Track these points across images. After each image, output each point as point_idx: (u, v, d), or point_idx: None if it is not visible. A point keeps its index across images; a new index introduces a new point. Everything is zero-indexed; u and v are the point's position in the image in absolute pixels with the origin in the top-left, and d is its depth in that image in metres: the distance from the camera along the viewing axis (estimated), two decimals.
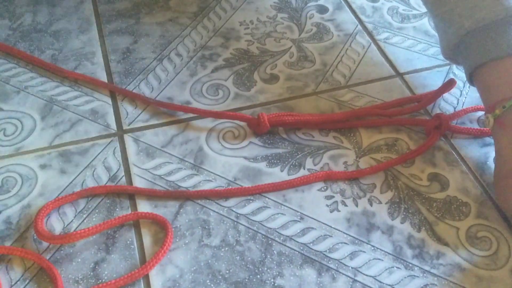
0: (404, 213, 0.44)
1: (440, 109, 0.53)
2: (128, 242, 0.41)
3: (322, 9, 0.66)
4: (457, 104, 0.54)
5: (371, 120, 0.51)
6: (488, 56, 0.43)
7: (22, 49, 0.58)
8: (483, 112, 0.53)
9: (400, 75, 0.57)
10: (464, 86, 0.56)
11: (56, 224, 0.42)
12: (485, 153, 0.49)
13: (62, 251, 0.41)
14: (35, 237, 0.41)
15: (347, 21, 0.64)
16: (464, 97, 0.55)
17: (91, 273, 0.39)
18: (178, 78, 0.56)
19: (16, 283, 0.39)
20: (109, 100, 0.53)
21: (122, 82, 0.55)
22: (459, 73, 0.57)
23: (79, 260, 0.40)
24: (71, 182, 0.45)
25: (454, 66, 0.58)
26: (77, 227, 0.42)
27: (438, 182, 0.47)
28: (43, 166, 0.47)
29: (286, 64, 0.58)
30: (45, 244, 0.41)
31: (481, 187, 0.46)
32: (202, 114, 0.51)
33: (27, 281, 0.39)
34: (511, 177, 0.41)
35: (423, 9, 0.66)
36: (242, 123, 0.51)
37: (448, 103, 0.54)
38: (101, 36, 0.61)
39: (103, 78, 0.56)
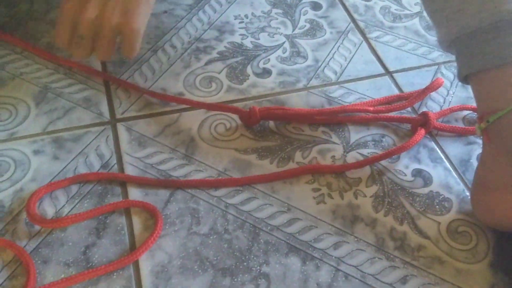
0: (388, 206, 0.46)
1: (427, 108, 0.55)
2: (119, 228, 0.42)
3: (316, 6, 0.67)
4: (444, 102, 0.55)
5: (359, 117, 0.52)
6: (475, 66, 0.41)
7: (18, 37, 0.58)
8: (468, 112, 0.54)
9: (389, 73, 0.58)
10: (451, 86, 0.57)
11: (48, 209, 0.43)
12: (468, 151, 0.51)
13: (53, 235, 0.42)
14: (27, 221, 0.42)
15: (340, 18, 0.66)
16: (451, 96, 0.56)
17: (82, 257, 0.40)
18: (172, 70, 0.57)
19: None
20: (103, 89, 0.54)
21: (116, 72, 0.56)
22: (446, 73, 0.59)
23: (70, 244, 0.41)
24: (63, 168, 0.46)
25: (442, 66, 0.60)
26: (68, 212, 0.43)
27: (421, 178, 0.48)
28: (36, 152, 0.47)
29: (279, 59, 0.59)
30: (36, 227, 0.42)
31: (463, 184, 0.48)
32: (195, 105, 0.52)
33: (6, 272, 0.40)
34: (490, 189, 0.41)
35: (415, 9, 0.68)
36: (234, 116, 0.52)
37: (435, 102, 0.55)
38: None
39: (98, 66, 0.56)
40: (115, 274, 0.39)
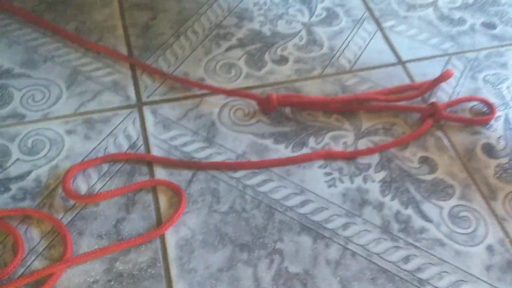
0: (394, 191, 0.49)
1: (437, 97, 0.57)
2: (146, 204, 0.46)
3: None
4: (453, 93, 0.58)
5: (371, 105, 0.55)
6: None
7: (48, 20, 0.61)
8: (476, 102, 0.57)
9: (402, 63, 0.61)
10: (461, 76, 0.59)
11: (81, 185, 0.47)
12: (473, 140, 0.53)
13: (87, 209, 0.45)
14: (62, 195, 0.46)
15: (356, 7, 0.67)
16: (460, 87, 0.58)
17: (113, 230, 0.44)
18: (193, 55, 0.60)
19: (37, 244, 0.44)
20: (129, 73, 0.57)
21: (141, 56, 0.59)
22: (457, 64, 0.61)
23: (103, 217, 0.45)
24: (94, 148, 0.50)
25: (453, 57, 0.62)
26: (100, 189, 0.47)
27: (427, 165, 0.51)
28: (69, 132, 0.51)
29: (296, 47, 0.62)
30: (71, 202, 0.46)
31: (467, 172, 0.50)
32: (216, 91, 0.55)
33: (45, 242, 0.44)
34: None
35: None
36: (252, 102, 0.55)
37: (444, 92, 0.58)
38: (122, 10, 0.64)
39: (124, 51, 0.59)
40: (143, 246, 0.43)
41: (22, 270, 0.42)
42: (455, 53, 0.62)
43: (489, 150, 0.52)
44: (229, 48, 0.61)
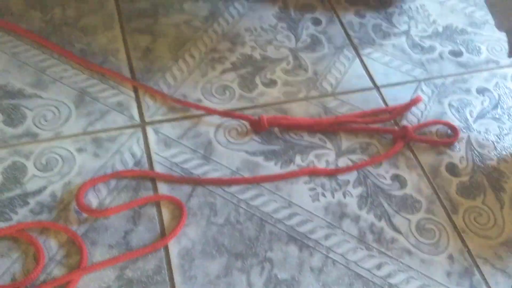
0: (370, 205, 0.54)
1: (407, 120, 0.63)
2: (151, 217, 0.51)
3: (316, 22, 0.74)
4: (421, 116, 0.63)
5: (350, 127, 0.60)
6: None
7: (54, 42, 0.65)
8: (441, 125, 0.63)
9: (377, 87, 0.66)
10: (428, 101, 0.65)
11: (92, 199, 0.51)
12: (439, 160, 0.59)
13: (99, 222, 0.50)
14: (75, 209, 0.50)
15: (337, 34, 0.73)
16: (428, 111, 0.64)
17: (123, 241, 0.49)
18: (191, 78, 0.64)
19: (56, 254, 0.48)
20: (133, 94, 0.61)
21: (143, 78, 0.63)
22: (426, 89, 0.67)
23: (113, 229, 0.49)
24: (103, 165, 0.54)
25: (422, 83, 0.68)
26: (109, 203, 0.51)
27: (398, 182, 0.57)
28: (79, 150, 0.55)
29: (283, 71, 0.67)
30: (84, 215, 0.50)
31: (432, 188, 0.56)
32: (212, 112, 0.60)
33: (63, 252, 0.48)
34: None
35: (402, 28, 0.75)
36: (245, 122, 0.60)
37: (414, 115, 0.63)
38: (124, 34, 0.68)
39: (127, 73, 0.63)
40: (149, 255, 0.48)
41: (43, 277, 0.46)
42: (424, 79, 0.68)
43: (452, 168, 0.58)
44: (223, 71, 0.65)
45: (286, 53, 0.69)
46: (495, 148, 0.61)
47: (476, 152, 0.60)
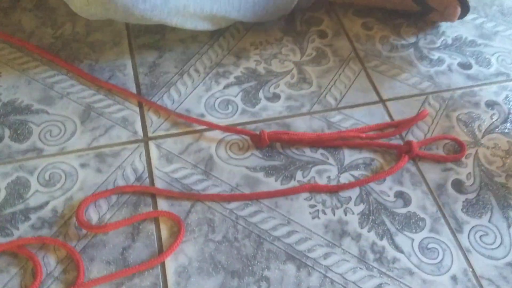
0: (371, 223, 0.52)
1: (413, 135, 0.61)
2: (149, 233, 0.50)
3: (322, 34, 0.73)
4: (428, 131, 0.61)
5: (353, 142, 0.59)
6: None
7: (63, 58, 0.65)
8: (448, 140, 0.60)
9: (383, 101, 0.64)
10: (436, 115, 0.63)
11: (93, 215, 0.51)
12: (444, 176, 0.57)
13: (97, 237, 0.49)
14: (76, 225, 0.50)
15: (343, 47, 0.71)
16: (434, 125, 0.62)
17: (120, 257, 0.48)
18: (195, 93, 0.63)
19: (54, 269, 0.47)
20: (137, 110, 0.61)
21: (148, 93, 0.63)
22: (433, 103, 0.64)
23: (111, 245, 0.49)
24: (105, 180, 0.54)
25: (430, 96, 0.65)
26: (109, 219, 0.51)
27: (402, 199, 0.54)
28: (82, 165, 0.55)
29: (287, 85, 0.65)
30: (84, 230, 0.49)
31: (437, 206, 0.54)
32: (214, 127, 0.59)
33: (61, 267, 0.47)
34: None
35: (411, 40, 0.73)
36: (246, 137, 0.59)
37: (420, 130, 0.61)
38: (131, 50, 0.68)
39: (133, 88, 0.63)
40: (146, 272, 0.47)
41: None
42: (432, 92, 0.66)
43: (459, 185, 0.56)
44: (227, 86, 0.64)
45: (290, 66, 0.68)
46: (504, 164, 0.58)
47: (484, 168, 0.58)
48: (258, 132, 0.58)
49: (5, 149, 0.55)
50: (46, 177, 0.53)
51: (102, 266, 0.47)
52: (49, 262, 0.47)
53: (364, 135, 0.59)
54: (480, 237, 0.52)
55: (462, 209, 0.54)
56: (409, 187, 0.55)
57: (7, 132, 0.57)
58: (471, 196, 0.55)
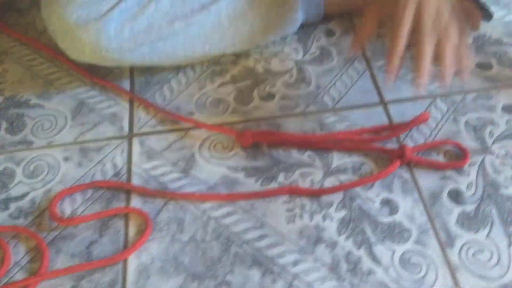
0: (350, 231, 0.48)
1: (412, 139, 0.56)
2: (117, 230, 0.49)
3: (330, 33, 0.69)
4: (430, 135, 0.56)
5: (343, 145, 0.55)
6: None
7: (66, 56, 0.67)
8: (451, 146, 0.54)
9: (384, 103, 0.60)
10: (441, 119, 0.57)
11: (67, 208, 0.51)
12: (441, 185, 0.51)
13: (68, 230, 0.49)
14: (49, 217, 0.50)
15: (349, 46, 0.67)
16: (438, 129, 0.56)
17: (86, 251, 0.48)
18: (188, 90, 0.62)
19: (21, 259, 0.48)
20: (127, 106, 0.61)
21: (141, 90, 0.62)
22: (441, 105, 0.59)
23: (79, 238, 0.49)
24: (84, 174, 0.54)
25: (439, 98, 0.60)
26: (82, 212, 0.51)
27: (389, 207, 0.50)
28: (66, 158, 0.55)
29: (284, 84, 0.63)
30: (56, 223, 0.50)
31: (427, 216, 0.49)
32: (198, 125, 0.57)
33: (28, 257, 0.48)
34: None
35: None
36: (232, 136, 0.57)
37: (421, 134, 0.56)
38: None
39: (127, 85, 0.63)
40: (107, 268, 0.46)
41: (5, 280, 0.46)
42: (441, 94, 0.60)
43: (456, 195, 0.50)
44: (221, 84, 0.63)
45: (290, 65, 0.65)
46: None
47: (489, 178, 0.52)
48: (241, 132, 0.55)
49: None
50: (31, 168, 0.55)
51: (66, 259, 0.47)
52: (19, 251, 0.48)
53: (356, 137, 0.54)
54: (473, 253, 0.46)
55: (456, 222, 0.48)
56: (399, 195, 0.51)
57: (3, 125, 0.59)
58: (469, 207, 0.49)
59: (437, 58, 0.48)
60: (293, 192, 0.51)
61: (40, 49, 0.68)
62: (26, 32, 0.71)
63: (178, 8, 0.57)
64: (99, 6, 0.53)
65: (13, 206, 0.52)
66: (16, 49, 0.69)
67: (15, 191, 0.53)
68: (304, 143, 0.55)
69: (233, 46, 0.62)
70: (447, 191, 0.51)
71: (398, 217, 0.49)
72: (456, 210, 0.49)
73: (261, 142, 0.56)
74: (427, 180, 0.52)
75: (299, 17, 0.65)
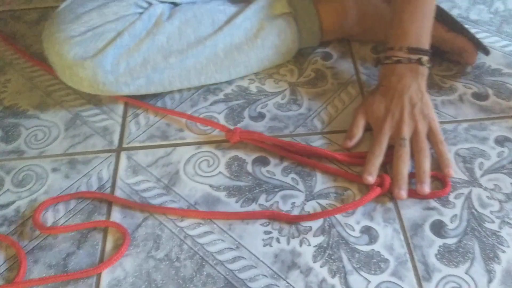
0: (327, 258, 0.47)
1: None
2: (95, 243, 0.50)
3: (327, 56, 0.69)
4: None
5: (323, 165, 0.54)
6: None
7: None
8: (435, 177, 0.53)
9: (371, 129, 0.59)
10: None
11: (49, 217, 0.52)
12: (424, 216, 0.50)
13: (47, 240, 0.50)
14: (31, 226, 0.51)
15: (345, 70, 0.67)
16: None
17: (62, 262, 0.48)
18: (180, 107, 0.63)
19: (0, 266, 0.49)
20: (120, 120, 0.62)
21: (134, 104, 0.63)
22: None
23: (57, 249, 0.49)
24: (70, 186, 0.55)
25: None
26: (64, 223, 0.51)
27: (368, 235, 0.49)
28: (54, 169, 0.56)
29: (276, 105, 0.63)
30: (37, 232, 0.50)
31: (407, 247, 0.48)
32: (188, 118, 0.59)
33: (6, 265, 0.48)
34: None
35: None
36: (218, 153, 0.57)
37: None
38: None
39: (123, 98, 0.64)
40: (81, 281, 0.47)
41: None
42: None
43: (439, 228, 0.49)
44: (214, 102, 0.63)
45: (284, 87, 0.65)
46: (502, 209, 0.50)
47: (474, 211, 0.50)
48: (231, 129, 0.56)
49: None
50: (19, 178, 0.56)
51: (43, 269, 0.48)
52: None
53: (340, 157, 0.54)
54: None
55: (436, 255, 0.47)
56: (379, 223, 0.50)
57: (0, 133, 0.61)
58: (450, 241, 0.48)
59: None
60: (273, 217, 0.51)
61: (40, 66, 0.69)
62: (32, 44, 0.73)
63: (174, 43, 0.58)
64: (95, 43, 0.55)
65: None
66: (20, 61, 0.71)
67: (1, 200, 0.54)
68: (286, 150, 0.55)
69: (228, 76, 0.63)
70: (429, 223, 0.50)
71: (377, 246, 0.48)
72: (438, 242, 0.48)
73: (246, 141, 0.56)
74: (410, 210, 0.51)
75: (295, 47, 0.65)
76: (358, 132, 0.56)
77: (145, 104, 0.62)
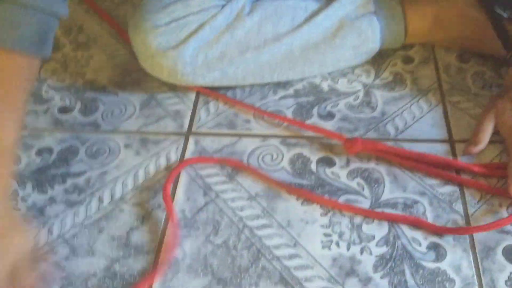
0: (388, 270, 0.45)
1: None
2: (158, 220, 0.51)
3: (408, 60, 0.66)
4: (498, 182, 0.51)
5: (481, 184, 0.51)
6: None
7: None
8: None
9: (451, 141, 0.56)
10: None
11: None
12: (498, 239, 0.47)
13: (115, 211, 0.52)
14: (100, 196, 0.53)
15: (426, 76, 0.64)
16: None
17: (125, 235, 0.50)
18: (249, 99, 0.63)
19: None
20: (191, 105, 0.63)
21: (205, 92, 0.64)
22: None
23: (122, 222, 0.51)
24: (139, 163, 0.56)
25: None
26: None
27: (435, 253, 0.46)
28: (126, 146, 0.58)
29: (347, 106, 0.61)
30: (105, 203, 0.52)
31: (476, 270, 0.45)
32: (306, 128, 0.57)
33: None
34: None
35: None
36: (283, 149, 0.56)
37: (487, 180, 0.51)
38: None
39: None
40: (140, 256, 0.48)
41: None
42: None
43: None
44: (283, 97, 0.63)
45: (358, 87, 0.63)
46: None
47: None
48: (352, 138, 0.54)
49: (70, 119, 0.62)
50: (93, 150, 0.58)
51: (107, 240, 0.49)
52: None
53: (477, 169, 0.51)
54: None
55: (506, 281, 0.44)
56: (448, 241, 0.47)
57: (78, 105, 0.64)
58: None
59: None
60: (418, 224, 0.48)
61: (123, 37, 0.72)
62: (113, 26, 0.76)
63: (252, 38, 0.58)
64: (178, 34, 0.56)
65: (69, 182, 0.55)
66: (104, 39, 0.74)
67: (74, 168, 0.56)
68: (417, 161, 0.52)
69: (301, 74, 0.62)
70: (503, 246, 0.46)
71: (443, 265, 0.45)
72: (509, 268, 0.44)
73: (370, 152, 0.54)
74: (484, 232, 0.47)
75: (375, 49, 0.63)
76: (485, 139, 0.53)
77: (215, 93, 0.62)
